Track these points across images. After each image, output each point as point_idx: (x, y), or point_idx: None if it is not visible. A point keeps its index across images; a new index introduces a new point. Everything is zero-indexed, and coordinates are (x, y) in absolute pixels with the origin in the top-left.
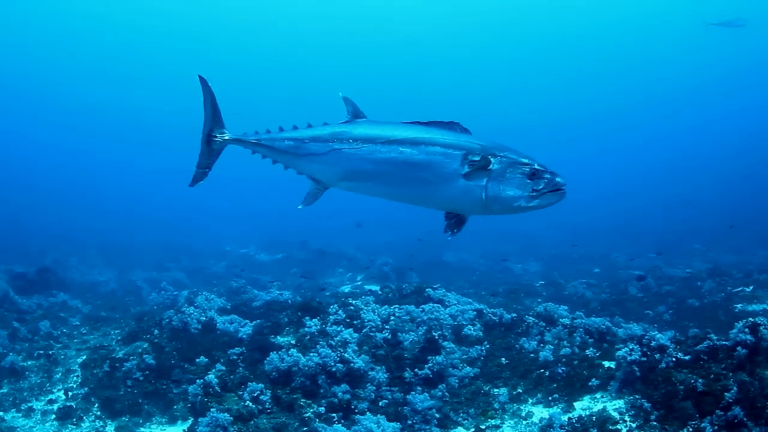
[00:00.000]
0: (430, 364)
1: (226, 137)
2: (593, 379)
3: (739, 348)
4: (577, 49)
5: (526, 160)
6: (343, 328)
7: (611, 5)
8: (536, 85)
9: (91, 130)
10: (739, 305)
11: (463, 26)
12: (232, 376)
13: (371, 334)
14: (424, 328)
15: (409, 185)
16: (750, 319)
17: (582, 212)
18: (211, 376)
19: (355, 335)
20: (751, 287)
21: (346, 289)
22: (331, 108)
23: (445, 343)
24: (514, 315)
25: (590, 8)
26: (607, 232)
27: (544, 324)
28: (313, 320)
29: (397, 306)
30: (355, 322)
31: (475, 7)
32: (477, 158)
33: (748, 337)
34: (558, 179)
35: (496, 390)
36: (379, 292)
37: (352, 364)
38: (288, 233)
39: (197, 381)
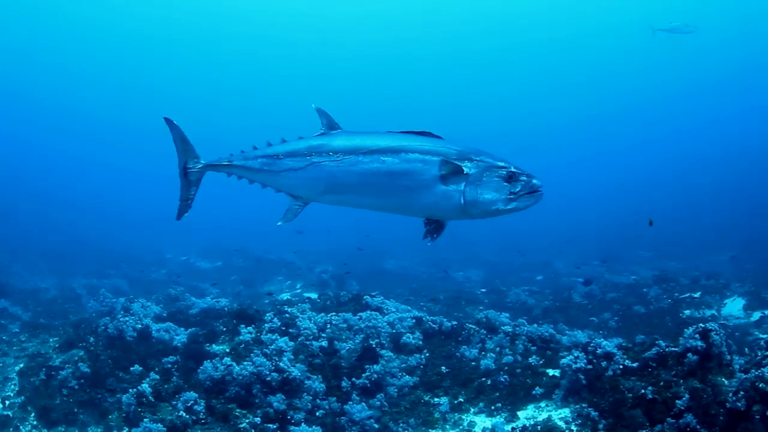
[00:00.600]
0: (367, 373)
1: (200, 166)
2: (537, 388)
3: (689, 354)
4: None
5: (502, 164)
6: (279, 337)
7: (604, 10)
8: (512, 94)
9: (49, 132)
10: (687, 311)
11: (454, 33)
12: (166, 386)
13: (307, 342)
14: (362, 336)
15: (391, 194)
16: (700, 324)
17: (527, 220)
18: (144, 386)
19: (291, 343)
20: (698, 293)
21: (286, 296)
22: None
23: (383, 352)
24: (454, 323)
25: (584, 13)
26: (551, 240)
27: (485, 332)
28: (248, 328)
29: (334, 314)
30: (290, 330)
31: (467, 13)
32: (454, 163)
33: (699, 343)
34: (535, 181)
35: (436, 399)
36: (318, 300)
37: (287, 374)
38: (228, 240)
39: (130, 390)
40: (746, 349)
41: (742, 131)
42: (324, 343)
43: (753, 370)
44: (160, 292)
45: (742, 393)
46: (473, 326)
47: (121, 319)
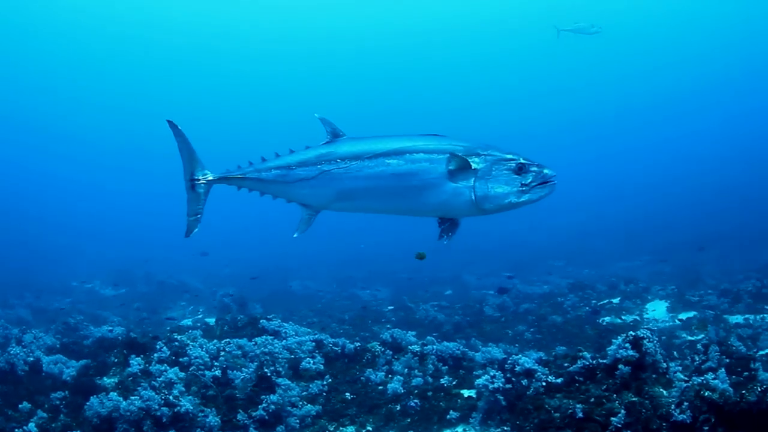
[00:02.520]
0: (264, 404)
1: (210, 177)
2: (452, 411)
3: (620, 366)
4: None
5: (510, 156)
6: (168, 367)
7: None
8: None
9: None
10: (607, 318)
11: (458, 33)
12: (54, 424)
13: (199, 372)
14: (256, 364)
15: (400, 196)
16: (631, 332)
17: (432, 232)
18: (31, 425)
19: (182, 374)
20: (618, 298)
21: (188, 322)
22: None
23: (280, 380)
24: (357, 344)
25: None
26: (457, 253)
27: (391, 352)
28: (137, 359)
29: (227, 340)
30: (181, 359)
31: (470, 12)
32: (461, 159)
33: (630, 352)
34: (546, 171)
35: (342, 429)
36: (215, 326)
37: (178, 408)
38: (133, 264)
39: (16, 431)
40: (675, 352)
41: (655, 134)
42: (217, 373)
43: (695, 378)
44: (60, 322)
45: (686, 404)
46: (378, 347)
47: (12, 352)
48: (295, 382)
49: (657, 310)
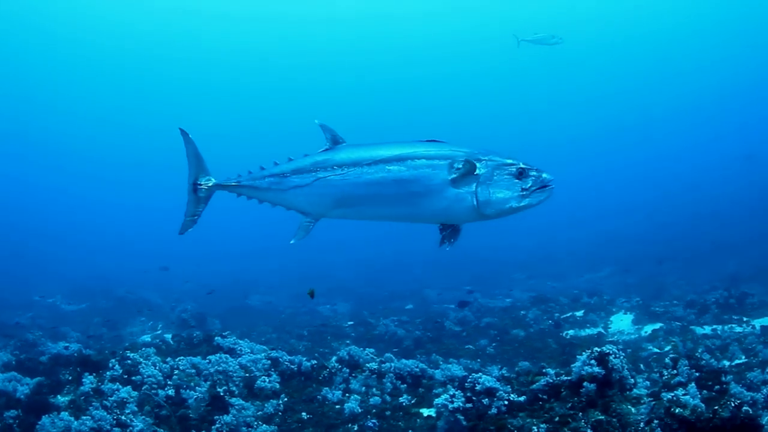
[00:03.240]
0: (218, 425)
1: (211, 184)
2: None
3: (586, 383)
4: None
5: (510, 161)
6: (121, 386)
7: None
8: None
9: None
10: (570, 331)
11: (463, 44)
12: None
13: (152, 391)
14: (209, 383)
15: (401, 203)
16: (596, 348)
17: (392, 247)
18: None
19: (135, 393)
20: (582, 311)
21: (147, 338)
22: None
23: (234, 400)
24: (314, 362)
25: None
26: (417, 267)
27: (348, 370)
28: (90, 377)
29: (181, 358)
30: (134, 378)
31: (476, 23)
32: (462, 165)
33: (596, 369)
34: (545, 176)
35: None
36: (171, 342)
37: (130, 428)
38: (94, 278)
39: None
40: (642, 365)
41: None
42: (171, 392)
43: (664, 393)
44: (18, 338)
45: (656, 422)
46: (335, 364)
47: None
48: (250, 401)
49: (622, 322)
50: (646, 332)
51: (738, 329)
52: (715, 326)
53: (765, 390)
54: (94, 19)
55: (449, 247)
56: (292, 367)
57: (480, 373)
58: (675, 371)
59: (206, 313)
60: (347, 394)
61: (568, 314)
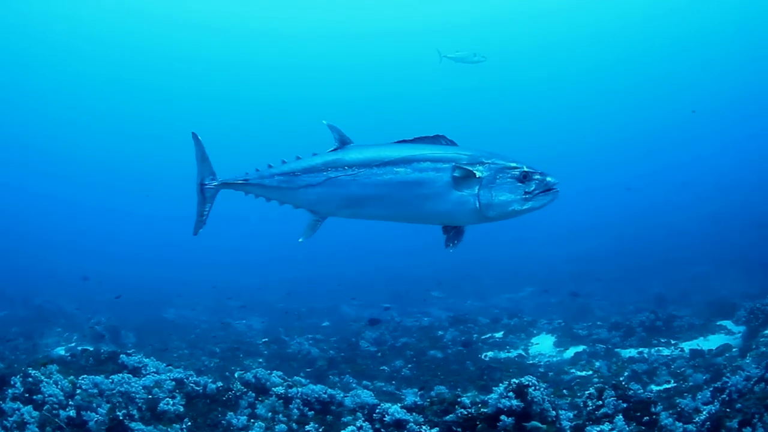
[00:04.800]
0: None
1: (215, 183)
2: None
3: (503, 417)
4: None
5: (514, 164)
6: (22, 405)
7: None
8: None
9: None
10: (489, 353)
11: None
12: None
13: (53, 412)
14: (108, 405)
15: (407, 204)
16: (514, 380)
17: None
18: None
19: (36, 413)
20: (501, 332)
21: (61, 351)
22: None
23: (133, 424)
24: (220, 384)
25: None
26: (334, 283)
27: (254, 394)
28: None
29: (84, 376)
30: (35, 396)
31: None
32: (465, 168)
33: (515, 402)
34: (549, 179)
35: None
36: (80, 357)
37: None
38: (12, 286)
39: None
40: (564, 390)
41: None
42: (72, 413)
43: (589, 427)
44: None
45: None
46: (240, 387)
47: None
48: (152, 424)
49: (543, 344)
50: (568, 355)
51: (666, 352)
52: (641, 349)
53: (697, 418)
54: (96, 27)
55: (453, 249)
56: (197, 388)
57: (389, 404)
58: (600, 402)
59: (120, 326)
60: (253, 420)
61: (488, 335)
